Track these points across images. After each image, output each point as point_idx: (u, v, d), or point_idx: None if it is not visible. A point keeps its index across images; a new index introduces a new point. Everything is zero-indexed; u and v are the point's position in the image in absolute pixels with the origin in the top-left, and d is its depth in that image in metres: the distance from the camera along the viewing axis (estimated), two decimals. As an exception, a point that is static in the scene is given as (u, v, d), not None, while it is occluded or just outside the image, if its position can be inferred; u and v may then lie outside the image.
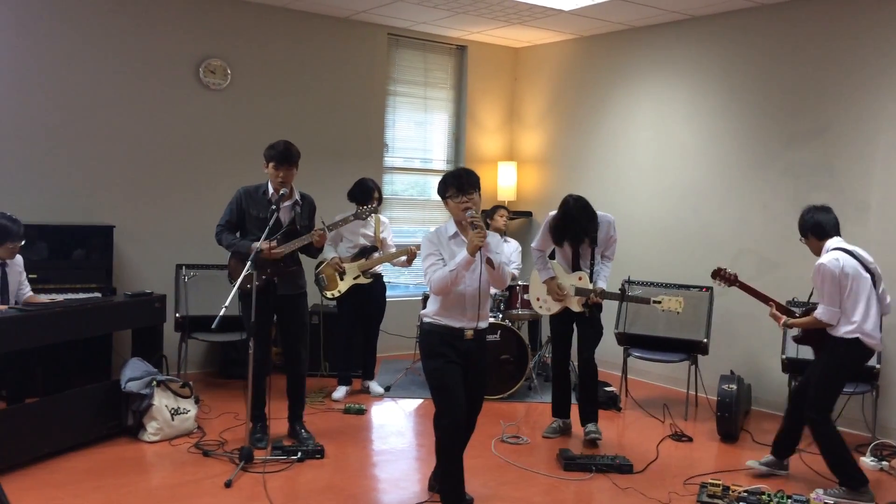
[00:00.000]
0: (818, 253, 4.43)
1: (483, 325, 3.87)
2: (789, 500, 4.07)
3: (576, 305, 5.04)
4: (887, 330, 5.34)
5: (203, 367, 6.60)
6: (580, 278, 5.03)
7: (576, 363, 5.29)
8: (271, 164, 4.72)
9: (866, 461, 4.92)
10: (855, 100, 5.59)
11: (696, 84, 6.63)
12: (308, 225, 4.90)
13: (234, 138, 6.65)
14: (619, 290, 4.96)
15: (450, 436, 3.78)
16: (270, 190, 4.77)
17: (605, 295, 4.95)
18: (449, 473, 3.83)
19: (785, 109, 6.02)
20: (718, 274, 4.72)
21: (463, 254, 3.67)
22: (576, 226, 4.92)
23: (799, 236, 4.50)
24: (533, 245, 5.24)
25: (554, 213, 5.05)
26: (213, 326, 4.13)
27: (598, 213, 5.02)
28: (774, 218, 6.00)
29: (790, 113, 5.98)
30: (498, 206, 6.84)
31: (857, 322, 4.24)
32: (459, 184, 3.76)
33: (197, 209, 6.45)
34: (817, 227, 4.42)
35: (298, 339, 4.96)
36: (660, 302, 4.87)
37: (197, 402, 5.18)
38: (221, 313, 4.18)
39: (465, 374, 3.82)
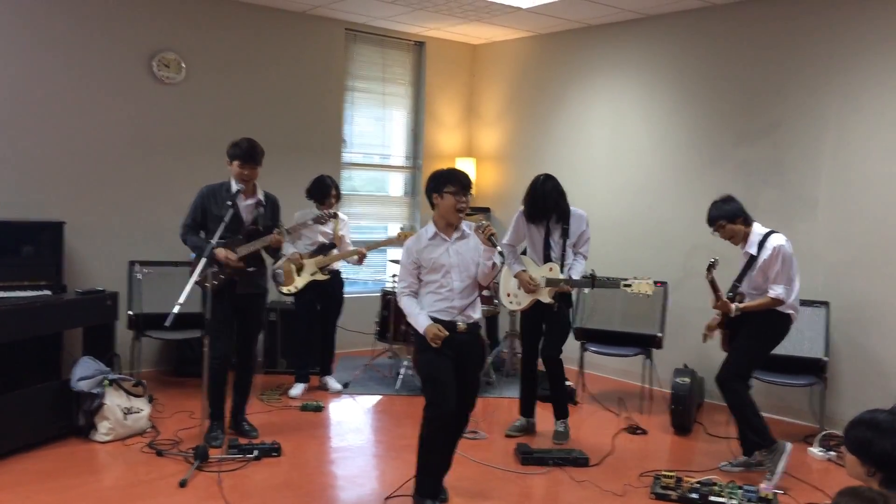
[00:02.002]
0: (743, 238, 4.58)
1: (476, 315, 3.90)
2: (740, 491, 4.16)
3: (546, 296, 5.01)
4: (835, 325, 5.50)
5: (157, 365, 6.49)
6: (550, 269, 5.02)
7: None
8: (236, 163, 4.68)
9: (814, 451, 5.05)
10: (802, 98, 5.73)
11: (651, 82, 6.73)
12: (272, 225, 4.86)
13: (188, 133, 6.55)
14: (590, 275, 4.95)
15: (437, 427, 3.78)
16: (234, 187, 4.73)
17: (574, 283, 4.94)
18: (429, 464, 3.84)
19: (736, 108, 6.14)
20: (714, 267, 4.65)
21: (422, 324, 3.76)
22: (546, 200, 4.96)
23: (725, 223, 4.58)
24: (504, 241, 5.23)
25: (522, 208, 5.14)
26: (166, 324, 4.07)
27: (572, 207, 5.06)
28: (727, 214, 6.12)
29: (741, 111, 6.11)
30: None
31: (794, 298, 4.53)
32: (464, 182, 3.80)
33: (150, 205, 6.35)
34: (745, 213, 4.61)
35: (253, 338, 5.00)
36: (630, 285, 4.83)
37: (150, 400, 5.10)
38: (175, 311, 4.12)
39: (459, 366, 3.82)
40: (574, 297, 5.86)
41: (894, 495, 2.12)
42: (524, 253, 5.25)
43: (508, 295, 5.27)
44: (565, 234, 5.04)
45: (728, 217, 4.57)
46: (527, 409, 5.32)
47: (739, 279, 4.59)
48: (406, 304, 3.87)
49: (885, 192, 5.32)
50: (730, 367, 4.60)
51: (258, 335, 5.07)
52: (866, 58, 5.40)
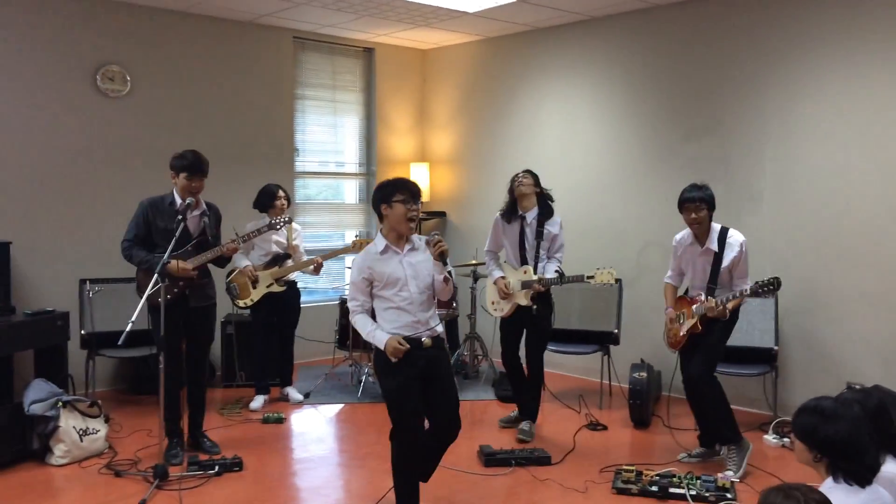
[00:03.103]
0: (706, 231, 4.59)
1: (439, 328, 3.78)
2: (698, 481, 4.24)
3: (523, 299, 5.10)
4: (784, 315, 5.65)
5: (113, 384, 6.38)
6: (525, 272, 5.11)
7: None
8: (182, 175, 4.63)
9: (769, 439, 5.18)
10: (744, 96, 5.87)
11: (599, 83, 6.83)
12: (216, 234, 4.83)
13: (136, 147, 6.45)
14: (557, 272, 5.03)
15: (405, 455, 3.70)
16: (178, 200, 4.67)
17: (545, 281, 5.01)
18: (405, 488, 3.75)
19: (682, 106, 6.26)
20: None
21: (382, 340, 3.62)
22: (527, 172, 5.15)
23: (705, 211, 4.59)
24: (485, 248, 5.39)
25: (499, 213, 5.27)
26: (119, 342, 4.00)
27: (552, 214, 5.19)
28: (676, 210, 6.22)
29: (687, 109, 6.23)
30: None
31: None
32: (414, 190, 3.69)
33: (99, 221, 6.23)
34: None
35: (206, 350, 4.97)
36: (592, 277, 4.91)
37: (107, 421, 5.01)
38: (128, 328, 4.04)
39: (429, 383, 3.71)
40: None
41: (817, 491, 2.19)
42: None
43: (493, 303, 5.32)
44: (539, 237, 5.12)
45: (710, 203, 4.58)
46: (524, 412, 5.37)
47: (714, 281, 4.59)
48: (360, 322, 3.72)
49: (826, 183, 5.48)
50: (705, 363, 4.61)
51: (209, 347, 5.03)
52: (803, 54, 5.56)
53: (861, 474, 2.40)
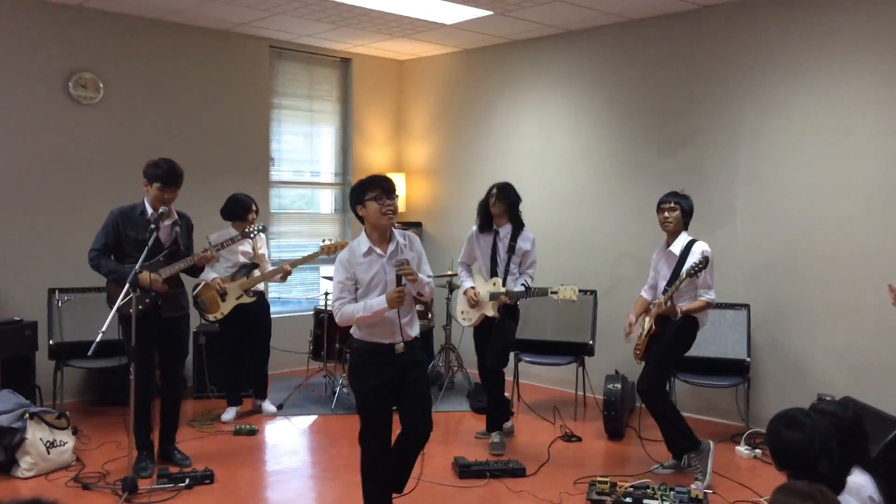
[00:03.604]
0: (676, 234, 4.72)
1: (414, 333, 3.75)
2: (672, 493, 4.26)
3: (491, 311, 5.18)
4: (756, 326, 5.70)
5: (82, 395, 6.27)
6: (494, 283, 5.21)
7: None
8: (156, 185, 4.57)
9: (741, 450, 5.21)
10: (719, 109, 5.95)
11: (575, 95, 6.88)
12: (189, 245, 4.78)
13: (108, 155, 6.38)
14: (523, 286, 5.11)
15: (372, 458, 3.72)
16: (149, 210, 4.61)
17: (512, 294, 5.09)
18: (374, 495, 3.76)
19: (656, 119, 6.33)
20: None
21: (381, 302, 3.55)
22: (501, 196, 5.18)
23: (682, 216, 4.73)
24: (459, 259, 5.49)
25: (475, 226, 5.36)
26: (89, 353, 3.94)
27: (525, 230, 5.25)
28: (650, 222, 6.26)
29: (661, 123, 6.30)
30: None
31: None
32: (386, 185, 3.63)
33: (70, 230, 6.14)
34: None
35: (181, 361, 4.93)
36: (556, 292, 4.99)
37: (75, 432, 4.92)
38: (98, 339, 3.98)
39: (403, 389, 3.69)
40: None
41: (829, 489, 2.19)
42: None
43: (462, 312, 5.41)
44: (511, 251, 5.19)
45: (686, 208, 4.72)
46: (494, 423, 5.37)
47: (671, 283, 4.67)
48: (348, 311, 3.61)
49: (797, 196, 5.56)
50: (652, 375, 4.72)
51: (185, 358, 4.99)
52: (774, 70, 5.64)
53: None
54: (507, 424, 5.53)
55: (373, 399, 3.67)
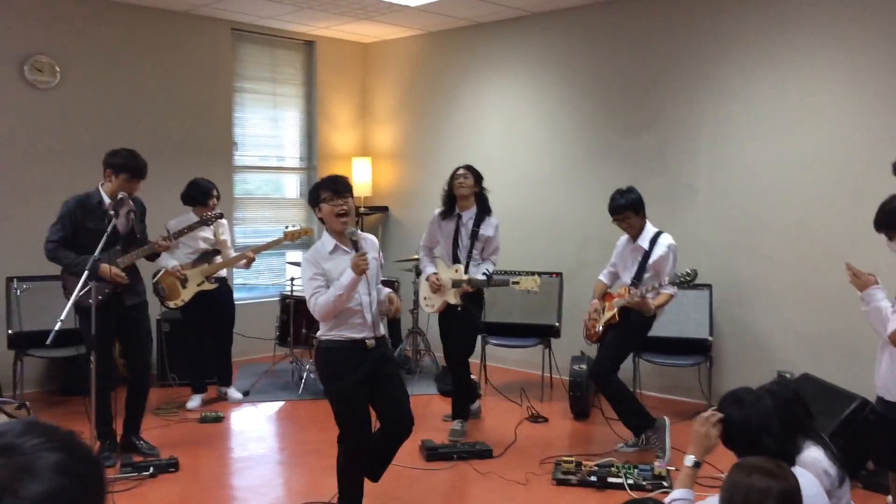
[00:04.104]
0: (639, 231, 4.72)
1: (382, 331, 3.73)
2: (636, 471, 4.32)
3: (453, 298, 5.12)
4: (718, 306, 5.78)
5: (42, 385, 6.17)
6: (456, 270, 5.12)
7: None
8: (123, 176, 4.46)
9: (704, 427, 5.29)
10: (680, 92, 5.99)
11: (540, 78, 6.88)
12: (143, 229, 4.71)
13: (66, 140, 6.25)
14: (484, 275, 5.06)
15: (353, 458, 3.69)
16: (106, 200, 4.50)
17: (474, 282, 5.02)
18: (350, 492, 3.73)
19: (620, 101, 6.36)
20: None
21: (348, 275, 3.51)
22: (469, 171, 5.10)
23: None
24: (420, 242, 5.37)
25: (438, 209, 5.23)
26: (47, 342, 3.86)
27: (488, 216, 5.15)
28: (615, 204, 6.34)
29: (625, 105, 6.33)
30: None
31: None
32: (335, 187, 3.60)
33: (27, 217, 6.01)
34: (644, 205, 4.78)
35: (147, 348, 4.85)
36: (518, 282, 4.94)
37: (36, 423, 4.84)
38: (56, 328, 3.90)
39: (377, 383, 3.66)
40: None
41: (787, 465, 2.23)
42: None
43: (425, 298, 5.34)
44: (474, 237, 5.11)
45: (636, 208, 4.71)
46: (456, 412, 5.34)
47: (638, 276, 4.71)
48: (321, 299, 3.53)
49: (758, 178, 5.64)
50: (605, 362, 4.79)
51: (150, 345, 4.93)
52: (735, 52, 5.70)
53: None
54: (475, 405, 5.55)
55: (352, 399, 3.62)
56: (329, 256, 3.63)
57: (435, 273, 5.22)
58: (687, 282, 4.53)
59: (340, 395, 3.63)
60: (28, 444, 0.93)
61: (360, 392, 3.62)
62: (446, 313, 5.24)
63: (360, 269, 3.50)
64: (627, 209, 4.68)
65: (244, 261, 5.72)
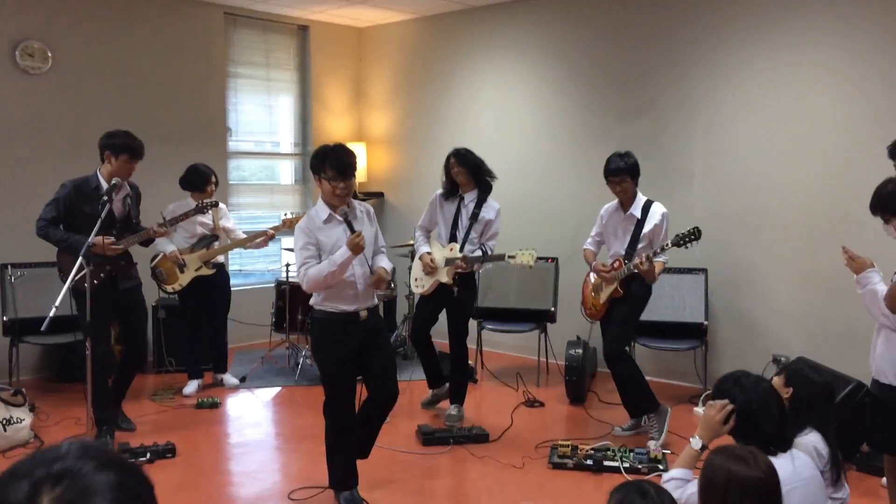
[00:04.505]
0: (632, 198, 4.70)
1: (374, 302, 3.77)
2: (631, 454, 4.34)
3: (445, 276, 5.02)
4: (713, 290, 5.79)
5: (39, 371, 6.16)
6: (451, 249, 5.04)
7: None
8: (123, 157, 4.48)
9: (699, 411, 5.29)
10: (676, 76, 5.97)
11: (535, 63, 6.85)
12: (137, 215, 4.74)
13: (58, 126, 6.20)
14: (481, 251, 5.01)
15: (338, 429, 3.74)
16: (103, 184, 4.51)
17: (468, 259, 4.95)
18: (339, 462, 3.78)
19: (616, 86, 6.33)
20: None
21: (344, 252, 3.51)
22: (459, 160, 5.01)
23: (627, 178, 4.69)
24: (418, 223, 5.29)
25: (439, 191, 5.17)
26: (42, 329, 3.85)
27: (490, 199, 5.09)
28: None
29: (621, 89, 6.31)
30: None
31: None
32: (341, 166, 3.54)
33: (21, 203, 5.97)
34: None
35: (144, 330, 4.94)
36: (514, 256, 4.84)
37: (32, 409, 4.85)
38: (52, 314, 3.89)
39: (367, 355, 3.72)
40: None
41: (762, 453, 2.24)
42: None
43: (416, 279, 5.24)
44: (474, 219, 5.04)
45: (633, 172, 4.67)
46: (433, 382, 5.37)
47: (633, 246, 4.70)
48: (313, 272, 3.53)
49: (754, 162, 5.63)
50: (617, 339, 4.77)
51: (146, 326, 5.01)
52: (731, 37, 5.67)
53: (761, 443, 2.48)
54: (441, 390, 5.39)
55: (340, 371, 3.68)
56: (323, 226, 3.63)
57: (429, 252, 5.12)
58: (691, 239, 4.47)
59: (331, 366, 3.69)
60: (86, 466, 1.01)
61: (348, 364, 3.68)
62: (433, 295, 5.13)
63: (358, 248, 3.50)
64: (625, 172, 4.64)
65: (262, 238, 5.71)
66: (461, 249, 5.03)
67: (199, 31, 7.01)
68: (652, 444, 4.53)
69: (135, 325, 4.80)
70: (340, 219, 3.63)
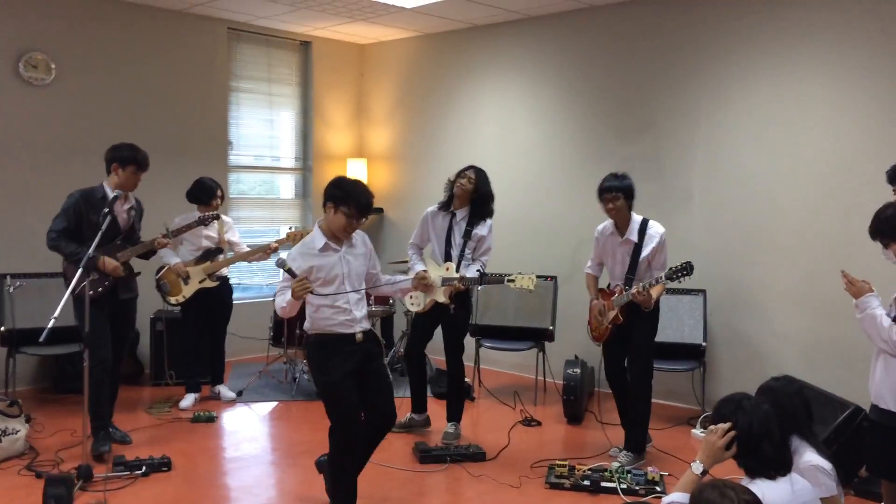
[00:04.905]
0: (626, 223, 4.67)
1: (367, 325, 3.81)
2: (629, 475, 4.33)
3: (441, 296, 5.01)
4: (712, 311, 5.80)
5: (35, 382, 6.14)
6: (447, 268, 5.03)
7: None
8: (131, 168, 4.59)
9: (696, 433, 5.31)
10: (675, 96, 6.01)
11: (536, 82, 6.89)
12: (139, 229, 4.83)
13: (60, 137, 6.22)
14: (478, 272, 4.99)
15: (344, 451, 3.72)
16: (109, 193, 4.58)
17: (466, 280, 4.94)
18: (343, 486, 3.76)
19: (616, 106, 6.37)
20: None
21: (288, 295, 3.59)
22: (479, 177, 5.04)
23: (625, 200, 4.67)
24: (410, 241, 5.29)
25: (431, 207, 5.17)
26: (41, 339, 3.84)
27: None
28: (611, 209, 6.34)
29: (621, 109, 6.34)
30: None
31: None
32: (361, 210, 3.62)
33: (22, 214, 5.99)
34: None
35: (128, 341, 5.04)
36: (513, 280, 4.80)
37: (27, 420, 4.83)
38: (51, 325, 3.88)
39: (365, 376, 3.73)
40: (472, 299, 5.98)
41: (750, 491, 2.20)
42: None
43: (412, 297, 5.19)
44: (467, 236, 5.05)
45: (627, 194, 4.64)
46: (416, 405, 5.34)
47: (632, 271, 4.66)
48: (279, 300, 3.66)
49: (752, 183, 5.66)
50: (644, 361, 4.72)
51: (132, 339, 5.11)
52: (731, 57, 5.72)
53: (762, 467, 2.48)
54: (422, 416, 5.38)
55: (342, 390, 3.66)
56: (319, 253, 3.69)
57: (424, 270, 5.05)
58: (683, 274, 4.41)
59: (332, 387, 3.68)
60: None
61: (349, 381, 3.67)
62: (429, 313, 5.12)
63: (296, 294, 3.56)
64: (618, 190, 4.61)
65: (266, 250, 5.77)
66: (457, 268, 5.03)
67: (203, 46, 7.04)
68: (617, 458, 4.56)
69: (122, 336, 4.85)
70: (336, 248, 3.71)
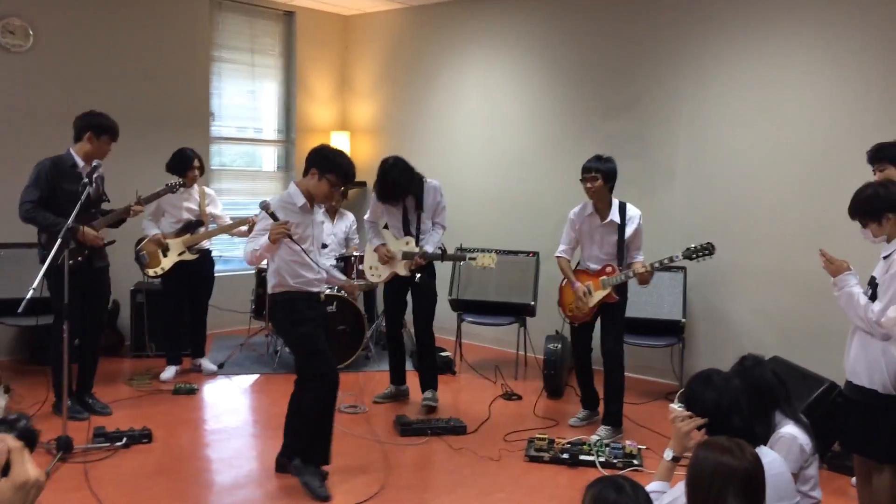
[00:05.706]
0: (607, 204, 4.71)
1: (327, 288, 4.07)
2: (607, 448, 4.38)
3: (402, 269, 5.07)
4: (691, 288, 5.84)
5: (13, 353, 6.10)
6: (407, 243, 5.10)
7: (413, 331, 5.37)
8: (105, 137, 4.54)
9: (674, 407, 5.34)
10: (660, 74, 6.00)
11: (521, 57, 6.85)
12: (105, 196, 4.79)
13: (37, 104, 6.12)
14: (440, 249, 5.08)
15: (329, 397, 3.87)
16: (80, 162, 4.50)
17: (427, 255, 5.00)
18: (323, 434, 3.90)
19: (600, 82, 6.36)
20: None
21: (265, 240, 3.70)
22: (395, 187, 4.98)
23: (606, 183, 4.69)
24: (366, 217, 5.31)
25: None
26: (19, 310, 3.80)
27: (426, 179, 5.10)
28: (594, 185, 6.35)
29: (605, 86, 6.33)
30: None
31: None
32: (346, 180, 3.90)
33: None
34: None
35: (104, 310, 5.04)
36: (474, 258, 4.93)
37: (7, 391, 4.81)
38: (29, 295, 3.84)
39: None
40: (450, 268, 6.00)
41: (747, 444, 2.26)
42: (386, 227, 5.27)
43: (371, 268, 5.29)
44: (420, 207, 5.09)
45: (608, 176, 4.67)
46: (395, 378, 5.41)
47: (621, 251, 4.72)
48: (249, 247, 3.79)
49: (734, 161, 5.68)
50: (618, 338, 4.80)
51: (107, 307, 5.15)
52: (716, 36, 5.71)
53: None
54: (403, 387, 5.46)
55: (318, 338, 3.86)
56: (298, 210, 3.85)
57: (383, 244, 5.15)
58: (703, 255, 4.54)
59: (308, 336, 3.85)
60: None
61: (321, 331, 3.91)
62: (394, 284, 5.20)
63: (273, 236, 3.68)
64: (598, 172, 4.64)
65: (246, 227, 5.68)
66: (417, 241, 5.06)
67: (184, 15, 6.93)
68: (595, 438, 4.61)
69: (97, 304, 4.84)
70: (310, 210, 3.90)
